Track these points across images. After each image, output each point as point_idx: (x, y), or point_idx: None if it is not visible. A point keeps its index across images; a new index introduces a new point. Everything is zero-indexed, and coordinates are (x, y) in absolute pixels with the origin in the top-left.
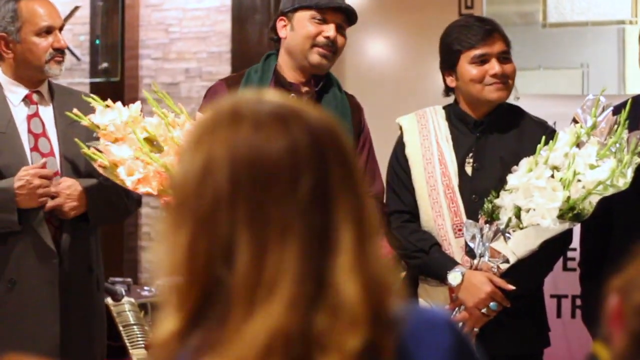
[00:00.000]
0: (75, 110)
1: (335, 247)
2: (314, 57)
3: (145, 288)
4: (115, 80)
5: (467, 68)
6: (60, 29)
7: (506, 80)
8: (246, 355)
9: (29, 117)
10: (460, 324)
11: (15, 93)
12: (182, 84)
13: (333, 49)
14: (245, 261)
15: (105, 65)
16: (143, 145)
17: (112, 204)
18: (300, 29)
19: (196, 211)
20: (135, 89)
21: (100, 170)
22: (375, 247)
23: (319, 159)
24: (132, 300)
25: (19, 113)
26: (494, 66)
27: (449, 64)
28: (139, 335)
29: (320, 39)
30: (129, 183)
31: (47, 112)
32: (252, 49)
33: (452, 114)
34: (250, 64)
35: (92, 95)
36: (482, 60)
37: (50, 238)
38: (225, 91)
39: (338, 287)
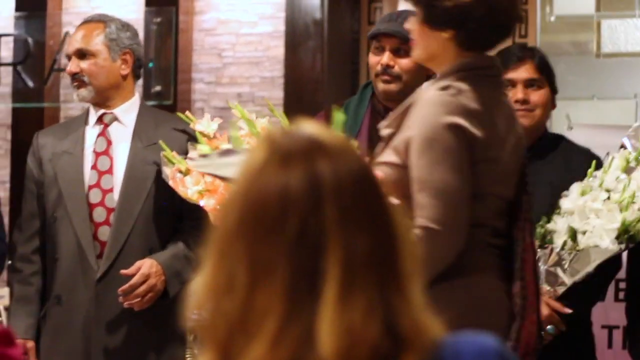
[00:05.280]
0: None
1: (320, 294)
2: (380, 85)
3: None
4: (168, 103)
5: None
6: (78, 53)
7: (531, 108)
8: None
9: (97, 137)
10: None
11: (93, 115)
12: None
13: (393, 74)
14: (238, 297)
15: (158, 88)
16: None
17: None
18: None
19: (217, 242)
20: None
21: (173, 177)
22: (366, 298)
23: (312, 201)
24: None
25: (92, 133)
26: (517, 92)
27: None
28: None
29: (378, 67)
30: (190, 192)
31: (120, 132)
32: (304, 74)
33: None
34: (302, 90)
35: (186, 114)
36: (510, 86)
37: (94, 257)
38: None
39: (318, 338)
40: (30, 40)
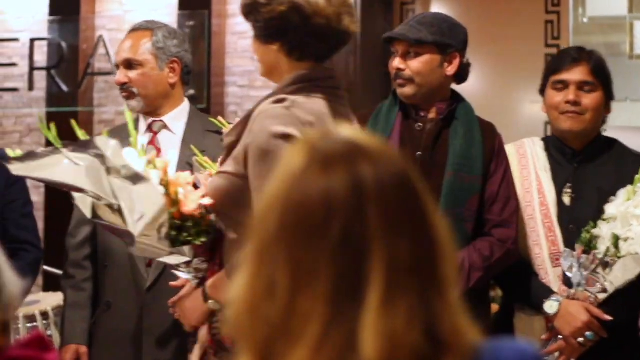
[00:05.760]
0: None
1: (363, 298)
2: (398, 89)
3: None
4: (202, 107)
5: (549, 93)
6: (126, 63)
7: (581, 111)
8: None
9: (147, 145)
10: (556, 354)
11: (143, 123)
12: None
13: (405, 77)
14: (280, 302)
15: (191, 92)
16: None
17: None
18: None
19: (255, 247)
20: (220, 117)
21: (205, 182)
22: (408, 303)
23: (355, 205)
24: None
25: (141, 141)
26: (569, 93)
27: (541, 89)
28: None
29: (394, 71)
30: None
31: (169, 140)
32: (338, 77)
33: (551, 145)
34: None
35: (218, 119)
36: (563, 87)
37: (144, 265)
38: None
39: (361, 343)
40: (64, 44)
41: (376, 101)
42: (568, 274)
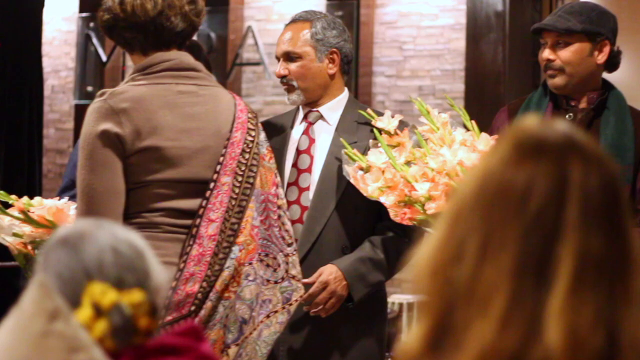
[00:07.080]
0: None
1: (549, 283)
2: (548, 80)
3: None
4: None
5: None
6: (286, 56)
7: None
8: None
9: (302, 134)
10: None
11: (300, 112)
12: None
13: (555, 68)
14: (467, 267)
15: None
16: (387, 151)
17: (387, 262)
18: None
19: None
20: (368, 107)
21: (354, 174)
22: (596, 302)
23: (556, 198)
24: None
25: (297, 130)
26: None
27: None
28: None
29: (544, 62)
30: (370, 189)
31: (323, 130)
32: (486, 67)
33: None
34: (484, 83)
35: (369, 110)
36: None
37: None
38: (506, 117)
39: (545, 329)
40: (212, 34)
41: (524, 91)
42: None
